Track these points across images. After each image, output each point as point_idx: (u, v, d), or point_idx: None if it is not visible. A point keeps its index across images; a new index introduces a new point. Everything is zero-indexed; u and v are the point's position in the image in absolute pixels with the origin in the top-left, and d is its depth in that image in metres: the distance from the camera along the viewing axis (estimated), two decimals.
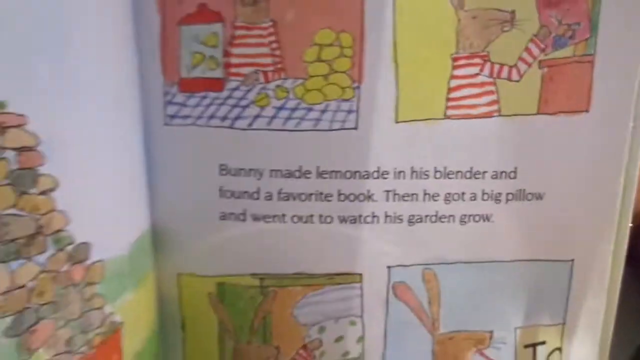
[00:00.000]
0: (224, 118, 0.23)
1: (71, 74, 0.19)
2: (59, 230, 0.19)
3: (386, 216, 0.25)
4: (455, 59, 0.24)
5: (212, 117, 0.23)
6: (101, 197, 0.20)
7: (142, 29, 0.22)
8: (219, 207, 0.24)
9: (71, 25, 0.19)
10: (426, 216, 0.25)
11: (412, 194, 0.25)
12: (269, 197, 0.24)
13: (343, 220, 0.24)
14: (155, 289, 0.25)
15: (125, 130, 0.22)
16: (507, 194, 0.25)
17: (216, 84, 0.23)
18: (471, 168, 0.25)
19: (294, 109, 0.24)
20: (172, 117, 0.23)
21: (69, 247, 0.19)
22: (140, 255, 0.23)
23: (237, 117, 0.23)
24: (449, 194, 0.25)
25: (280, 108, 0.24)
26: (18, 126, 0.18)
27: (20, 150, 0.18)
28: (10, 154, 0.18)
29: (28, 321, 0.18)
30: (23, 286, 0.18)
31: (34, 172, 0.18)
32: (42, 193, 0.18)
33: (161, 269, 0.25)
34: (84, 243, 0.20)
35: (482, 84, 0.24)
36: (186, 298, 0.25)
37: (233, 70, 0.23)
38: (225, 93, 0.23)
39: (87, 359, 0.20)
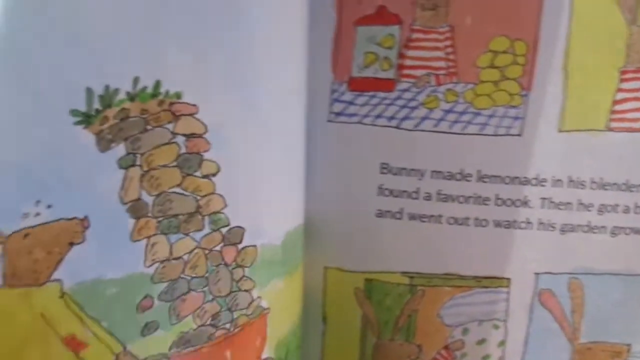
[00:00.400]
0: (391, 118, 0.24)
1: (243, 68, 0.20)
2: (216, 212, 0.20)
3: (539, 223, 0.25)
4: (623, 72, 0.24)
5: (379, 116, 0.24)
6: (260, 186, 0.21)
7: (317, 27, 0.23)
8: (376, 204, 0.24)
9: (249, 21, 0.20)
10: (578, 226, 0.25)
11: (567, 203, 0.25)
12: (428, 197, 0.24)
13: (498, 224, 0.25)
14: (302, 281, 0.26)
15: (290, 125, 0.23)
16: None
17: (387, 85, 0.24)
18: (627, 181, 0.24)
19: (462, 113, 0.24)
20: (338, 114, 0.24)
21: (224, 229, 0.20)
22: (293, 247, 0.24)
23: (405, 118, 0.24)
24: (602, 205, 0.25)
25: (448, 111, 0.24)
26: (189, 115, 0.20)
27: (189, 136, 0.20)
28: (180, 139, 0.20)
29: (180, 290, 0.20)
30: (179, 258, 0.20)
31: (199, 157, 0.20)
32: (205, 176, 0.20)
33: (307, 261, 0.26)
34: (238, 227, 0.21)
35: None
36: (331, 291, 0.26)
37: (405, 72, 0.24)
38: (395, 94, 0.24)
39: (231, 336, 0.21)
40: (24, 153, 0.17)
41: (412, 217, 0.24)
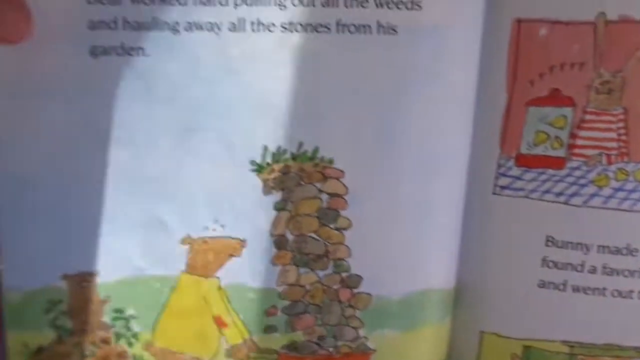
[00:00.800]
0: (559, 194, 0.25)
1: (394, 139, 0.24)
2: (340, 259, 0.25)
3: None
4: None
5: (547, 192, 0.25)
6: (385, 247, 0.25)
7: (485, 105, 0.24)
8: (539, 275, 0.25)
9: (408, 96, 0.24)
10: None
11: None
12: (593, 270, 0.25)
13: None
14: (430, 340, 0.27)
15: (438, 194, 0.25)
16: None
17: (557, 162, 0.25)
18: None
19: (631, 191, 0.24)
20: (503, 187, 0.26)
21: (344, 273, 0.25)
22: (415, 307, 0.26)
23: (574, 194, 0.25)
24: None
25: (618, 189, 0.24)
26: (336, 178, 0.25)
27: (332, 195, 0.25)
28: (324, 196, 0.25)
29: (298, 309, 0.26)
30: (303, 286, 0.25)
31: (336, 213, 0.25)
32: (337, 229, 0.25)
33: (461, 325, 0.27)
34: (357, 275, 0.25)
35: None
36: (486, 356, 0.27)
37: (577, 151, 0.24)
38: (565, 171, 0.24)
39: (329, 358, 0.26)
40: (213, 187, 0.24)
41: (576, 289, 0.25)
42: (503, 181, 0.25)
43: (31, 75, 0.23)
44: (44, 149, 0.24)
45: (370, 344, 0.26)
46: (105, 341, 0.26)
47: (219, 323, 0.26)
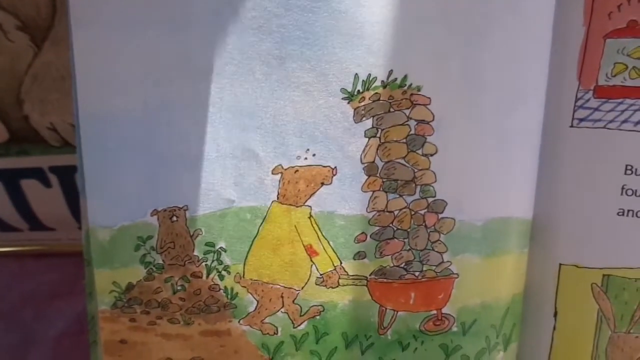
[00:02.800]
0: (638, 123, 0.25)
1: (478, 68, 0.25)
2: (427, 184, 0.26)
3: None
4: None
5: (625, 121, 0.25)
6: (468, 173, 0.26)
7: (562, 38, 0.25)
8: (618, 203, 0.26)
9: (490, 26, 0.25)
10: None
11: None
12: None
13: None
14: (510, 269, 0.28)
15: (518, 125, 0.26)
16: None
17: (635, 92, 0.25)
18: None
19: None
20: (581, 120, 0.26)
21: (430, 199, 0.26)
22: (496, 234, 0.27)
23: None
24: None
25: None
26: (424, 105, 0.25)
27: (420, 121, 0.26)
28: (412, 123, 0.26)
29: (386, 235, 0.26)
30: (391, 212, 0.26)
31: (423, 139, 0.26)
32: (424, 155, 0.26)
33: (537, 257, 0.28)
34: (442, 200, 0.26)
35: None
36: (564, 287, 0.27)
37: None
38: None
39: (417, 282, 0.27)
40: (304, 115, 0.25)
41: None
42: (581, 113, 0.26)
43: (122, 5, 0.23)
44: (133, 81, 0.24)
45: (453, 269, 0.27)
46: (196, 275, 0.26)
47: (310, 252, 0.26)
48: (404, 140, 0.25)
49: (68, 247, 0.38)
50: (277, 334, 0.26)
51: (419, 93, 0.25)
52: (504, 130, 0.26)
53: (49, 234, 0.38)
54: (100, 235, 0.26)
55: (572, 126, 0.26)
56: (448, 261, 0.27)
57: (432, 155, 0.26)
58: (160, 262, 0.26)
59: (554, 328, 0.28)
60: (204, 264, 0.26)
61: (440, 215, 0.26)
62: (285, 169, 0.25)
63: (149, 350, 0.27)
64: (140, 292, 0.26)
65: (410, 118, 0.25)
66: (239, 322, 0.26)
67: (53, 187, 0.36)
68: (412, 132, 0.25)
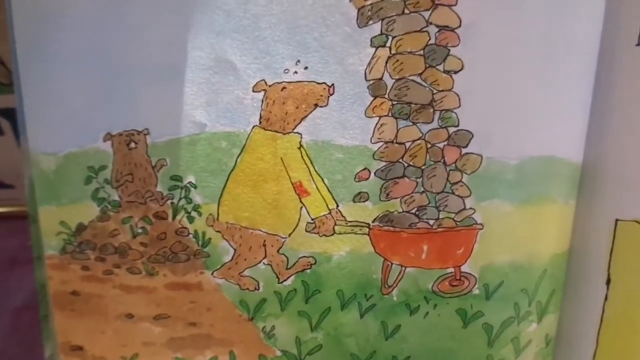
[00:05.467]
0: None
1: None
2: (448, 110, 0.21)
3: None
4: None
5: None
6: (504, 97, 0.21)
7: None
8: None
9: None
10: None
11: None
12: None
13: None
14: (551, 222, 0.23)
15: (570, 38, 0.21)
16: None
17: None
18: None
19: None
20: None
21: (452, 129, 0.21)
22: (534, 176, 0.22)
23: None
24: None
25: None
26: (448, 5, 0.20)
27: (442, 28, 0.20)
28: (432, 29, 0.20)
29: (395, 172, 0.21)
30: (402, 143, 0.21)
31: (446, 51, 0.20)
32: (447, 72, 0.20)
33: (589, 212, 0.23)
34: (467, 131, 0.21)
35: None
36: (620, 248, 0.23)
37: None
38: None
39: (432, 232, 0.22)
40: (294, 16, 0.19)
41: None
42: None
43: None
44: None
45: (477, 217, 0.22)
46: (160, 216, 0.22)
47: (300, 190, 0.21)
48: (421, 52, 0.20)
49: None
50: (258, 289, 0.22)
51: None
52: (552, 44, 0.20)
53: (6, 192, 0.34)
54: (44, 164, 0.21)
55: (638, 44, 0.21)
56: (471, 208, 0.22)
57: (456, 72, 0.20)
58: (116, 198, 0.21)
59: (606, 298, 0.23)
60: (169, 202, 0.22)
61: (464, 150, 0.21)
62: (270, 86, 0.20)
63: (105, 304, 0.23)
64: (93, 235, 0.22)
65: (431, 23, 0.20)
66: (212, 274, 0.22)
67: (5, 134, 0.31)
68: (432, 41, 0.20)
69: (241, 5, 0.19)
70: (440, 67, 0.20)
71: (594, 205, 0.23)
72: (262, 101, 0.20)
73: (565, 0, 0.20)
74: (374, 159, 0.21)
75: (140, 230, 0.22)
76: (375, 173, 0.21)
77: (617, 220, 0.23)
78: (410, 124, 0.21)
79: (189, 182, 0.21)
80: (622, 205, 0.22)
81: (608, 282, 0.23)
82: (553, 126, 0.22)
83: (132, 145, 0.21)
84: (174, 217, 0.22)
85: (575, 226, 0.23)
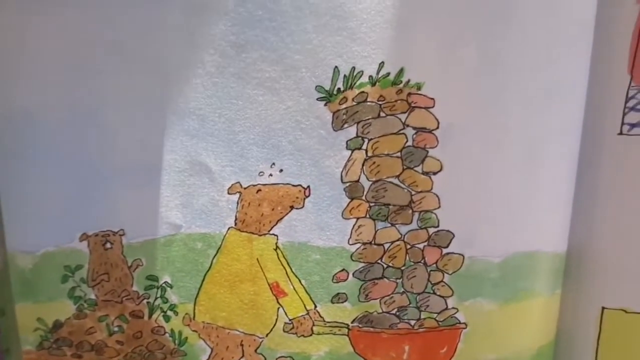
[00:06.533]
0: None
1: (500, 61, 0.19)
2: (427, 211, 0.20)
3: None
4: None
5: None
6: (483, 196, 0.20)
7: (610, 22, 0.20)
8: None
9: (513, 5, 0.19)
10: None
11: None
12: None
13: None
14: (536, 316, 0.22)
15: (551, 133, 0.20)
16: None
17: None
18: None
19: None
20: (633, 125, 0.21)
21: (432, 229, 0.20)
22: (517, 272, 0.21)
23: None
24: None
25: None
26: (425, 108, 0.20)
27: (420, 130, 0.20)
28: (409, 132, 0.20)
29: (374, 274, 0.21)
30: (380, 245, 0.20)
31: (424, 152, 0.20)
32: (425, 173, 0.20)
33: (574, 301, 0.23)
34: (447, 231, 0.20)
35: None
36: (608, 337, 0.22)
37: None
38: None
39: (413, 333, 0.21)
40: (269, 120, 0.19)
41: None
42: (632, 117, 0.20)
43: None
44: (53, 72, 0.19)
45: (460, 317, 0.21)
46: (136, 315, 0.21)
47: (277, 291, 0.21)
48: (399, 154, 0.20)
49: None
50: None
51: (419, 92, 0.19)
52: (533, 140, 0.20)
53: None
54: (21, 263, 0.21)
55: (620, 133, 0.21)
56: (454, 307, 0.21)
57: (435, 173, 0.20)
58: (93, 297, 0.21)
59: None
60: (145, 301, 0.21)
61: (445, 250, 0.21)
62: (245, 188, 0.20)
63: None
64: (69, 332, 0.22)
65: (408, 125, 0.20)
66: None
67: None
68: (410, 143, 0.20)
69: (215, 109, 0.19)
70: (419, 169, 0.20)
71: (580, 294, 0.23)
72: (238, 203, 0.20)
73: (547, 94, 0.20)
74: (352, 260, 0.21)
75: (116, 329, 0.21)
76: (353, 274, 0.21)
77: (603, 308, 0.22)
78: (389, 225, 0.20)
79: (165, 282, 0.21)
80: (608, 293, 0.22)
81: None
82: (536, 221, 0.21)
83: (108, 245, 0.21)
84: (150, 316, 0.21)
85: (561, 316, 0.23)
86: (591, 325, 0.22)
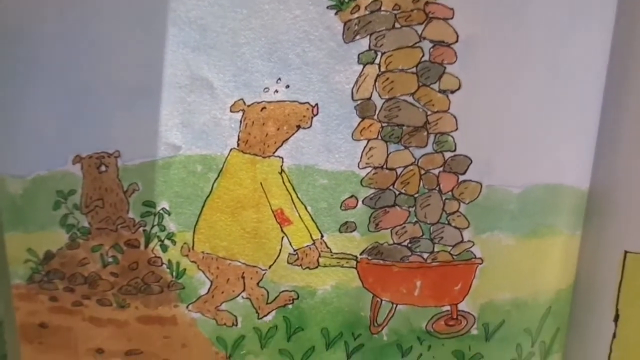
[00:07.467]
0: None
1: None
2: (444, 133, 0.19)
3: None
4: None
5: None
6: (506, 119, 0.19)
7: None
8: None
9: None
10: None
11: None
12: None
13: None
14: (556, 254, 0.21)
15: (580, 52, 0.19)
16: None
17: None
18: None
19: None
20: None
21: (448, 154, 0.19)
22: (537, 205, 0.20)
23: None
24: None
25: None
26: (443, 19, 0.18)
27: (437, 43, 0.18)
28: (426, 45, 0.18)
29: (385, 201, 0.19)
30: (393, 169, 0.19)
31: (441, 68, 0.19)
32: (442, 91, 0.19)
33: (595, 243, 0.22)
34: (465, 156, 0.19)
35: None
36: (630, 282, 0.21)
37: None
38: None
39: (426, 266, 0.20)
40: (275, 30, 0.18)
41: None
42: None
43: None
44: None
45: (476, 251, 0.20)
46: (132, 244, 0.20)
47: (281, 219, 0.20)
48: (414, 70, 0.19)
49: None
50: (236, 325, 0.21)
51: (437, 1, 0.18)
52: (558, 62, 0.19)
53: None
54: (11, 188, 0.20)
55: None
56: (470, 241, 0.20)
57: (453, 92, 0.19)
58: (86, 225, 0.20)
59: (614, 336, 0.22)
60: (141, 229, 0.20)
61: (461, 177, 0.19)
62: (249, 106, 0.19)
63: (74, 337, 0.21)
64: (61, 264, 0.21)
65: (424, 38, 0.18)
66: (187, 307, 0.21)
67: None
68: (426, 57, 0.18)
69: (218, 19, 0.18)
70: (435, 86, 0.19)
71: (602, 236, 0.22)
72: (241, 122, 0.19)
73: (573, 13, 0.19)
74: (362, 185, 0.19)
75: (110, 260, 0.20)
76: (363, 201, 0.20)
77: (626, 252, 0.21)
78: (402, 148, 0.19)
79: (163, 209, 0.20)
80: (631, 236, 0.21)
81: (616, 318, 0.22)
82: (559, 151, 0.20)
83: (103, 168, 0.19)
84: (146, 246, 0.20)
85: (581, 259, 0.22)
86: (613, 270, 0.22)
